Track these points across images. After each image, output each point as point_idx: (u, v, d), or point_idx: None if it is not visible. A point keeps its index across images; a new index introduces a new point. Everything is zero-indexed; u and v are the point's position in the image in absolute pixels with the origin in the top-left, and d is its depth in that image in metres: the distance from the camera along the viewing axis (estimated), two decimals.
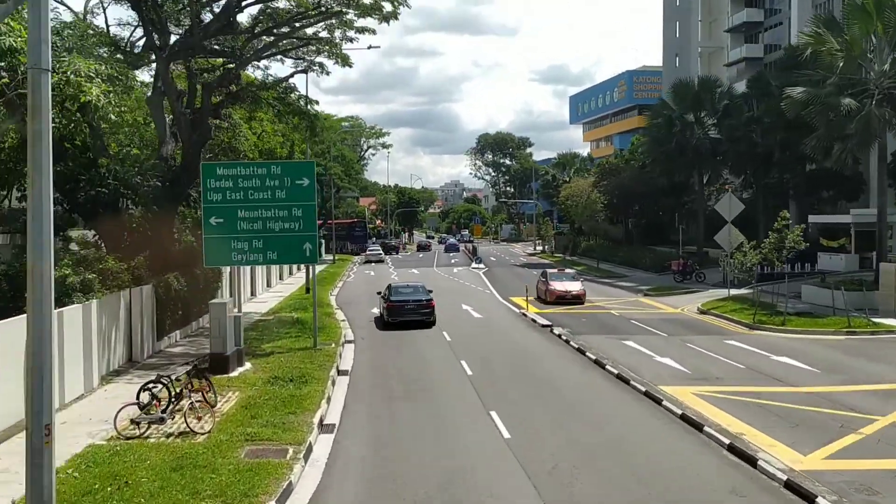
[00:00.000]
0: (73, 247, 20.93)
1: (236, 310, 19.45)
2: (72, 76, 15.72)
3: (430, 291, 28.07)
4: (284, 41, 27.43)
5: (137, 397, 12.92)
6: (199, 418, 12.52)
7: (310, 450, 11.83)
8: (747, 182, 47.89)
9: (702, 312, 29.42)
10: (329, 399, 15.28)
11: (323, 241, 65.17)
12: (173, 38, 24.51)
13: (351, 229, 77.23)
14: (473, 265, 57.49)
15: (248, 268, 31.76)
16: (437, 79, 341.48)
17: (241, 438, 11.89)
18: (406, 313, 26.13)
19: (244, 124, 31.77)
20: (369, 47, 37.34)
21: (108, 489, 9.61)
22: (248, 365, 18.14)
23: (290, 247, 20.39)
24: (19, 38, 14.28)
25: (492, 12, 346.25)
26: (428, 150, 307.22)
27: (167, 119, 24.81)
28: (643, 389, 15.72)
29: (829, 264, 38.54)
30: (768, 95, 42.02)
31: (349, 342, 22.98)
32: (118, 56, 22.75)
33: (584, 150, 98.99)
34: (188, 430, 12.19)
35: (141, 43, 25.65)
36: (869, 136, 28.54)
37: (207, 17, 24.75)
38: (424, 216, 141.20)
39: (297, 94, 28.55)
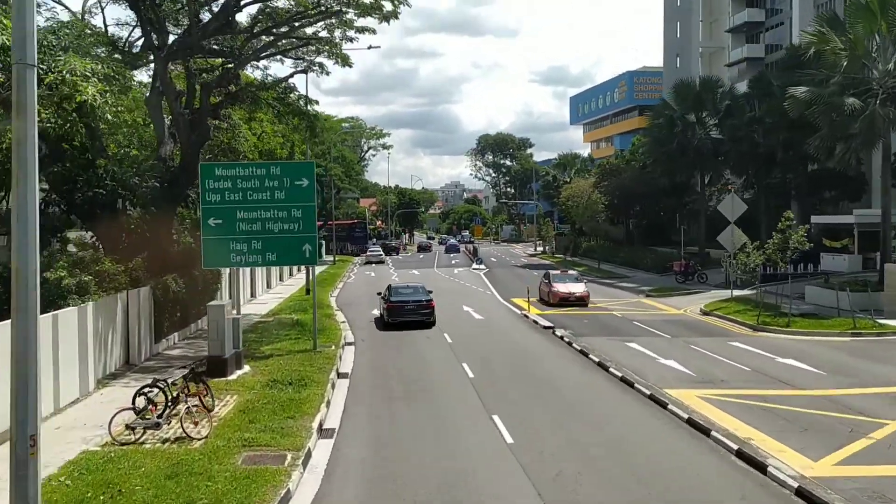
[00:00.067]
0: (72, 248, 20.76)
1: (235, 312, 19.22)
2: (67, 75, 15.50)
3: (430, 292, 28.03)
4: (284, 41, 27.22)
5: (133, 402, 12.68)
6: (196, 423, 12.29)
7: (308, 455, 11.59)
8: (749, 182, 47.66)
9: (705, 314, 29.17)
10: (329, 402, 15.04)
11: (323, 242, 65.36)
12: (172, 38, 24.31)
13: (351, 230, 77.01)
14: (474, 266, 57.25)
15: (247, 269, 31.53)
16: (437, 80, 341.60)
17: (238, 444, 11.65)
18: (406, 314, 26.12)
19: (244, 125, 31.55)
20: (369, 47, 37.15)
21: (101, 498, 9.38)
22: (246, 368, 17.90)
23: (290, 248, 20.18)
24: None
25: (492, 13, 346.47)
26: (428, 150, 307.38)
27: (166, 120, 24.61)
28: (648, 393, 15.48)
29: (832, 265, 38.29)
30: (770, 95, 41.82)
31: (349, 344, 22.74)
32: (116, 56, 22.56)
33: (585, 151, 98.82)
34: (184, 435, 11.95)
35: (140, 43, 25.50)
36: (873, 135, 28.30)
37: (206, 16, 24.55)
38: (425, 217, 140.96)
39: (297, 94, 28.30)
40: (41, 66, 15.96)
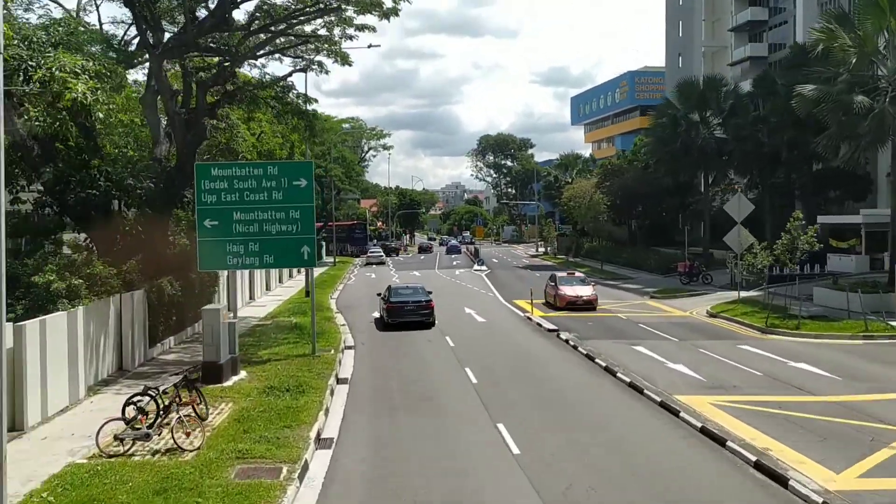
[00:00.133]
0: (66, 250, 20.27)
1: (231, 315, 18.70)
2: (56, 72, 15.00)
3: (430, 293, 27.87)
4: (282, 39, 26.71)
5: (123, 412, 12.15)
6: (188, 434, 11.75)
7: (305, 468, 11.05)
8: (753, 182, 47.11)
9: (711, 316, 28.62)
10: (327, 410, 14.51)
11: (323, 243, 64.92)
12: (167, 36, 23.80)
13: (351, 231, 76.53)
14: (475, 267, 56.73)
15: (246, 271, 31.02)
16: (438, 81, 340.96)
17: (231, 456, 11.11)
18: (406, 314, 26.01)
19: (242, 125, 31.02)
20: (369, 46, 36.60)
21: None
22: (243, 374, 17.37)
23: (288, 250, 19.68)
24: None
25: (492, 14, 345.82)
26: (429, 151, 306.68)
27: (162, 119, 24.10)
28: (658, 399, 14.93)
29: (839, 265, 37.73)
30: (774, 94, 41.35)
31: (349, 348, 22.21)
32: (111, 54, 22.06)
33: (586, 152, 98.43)
34: (176, 446, 11.41)
35: (136, 42, 24.98)
36: (882, 134, 27.77)
37: (203, 13, 24.04)
38: (426, 218, 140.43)
39: (296, 92, 27.73)
40: (30, 62, 15.50)
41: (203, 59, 26.51)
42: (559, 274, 34.79)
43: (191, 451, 11.36)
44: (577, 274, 36.15)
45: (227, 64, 24.55)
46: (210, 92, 25.54)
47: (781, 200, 43.25)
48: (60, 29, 18.49)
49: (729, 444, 11.89)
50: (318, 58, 27.30)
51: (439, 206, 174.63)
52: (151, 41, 22.84)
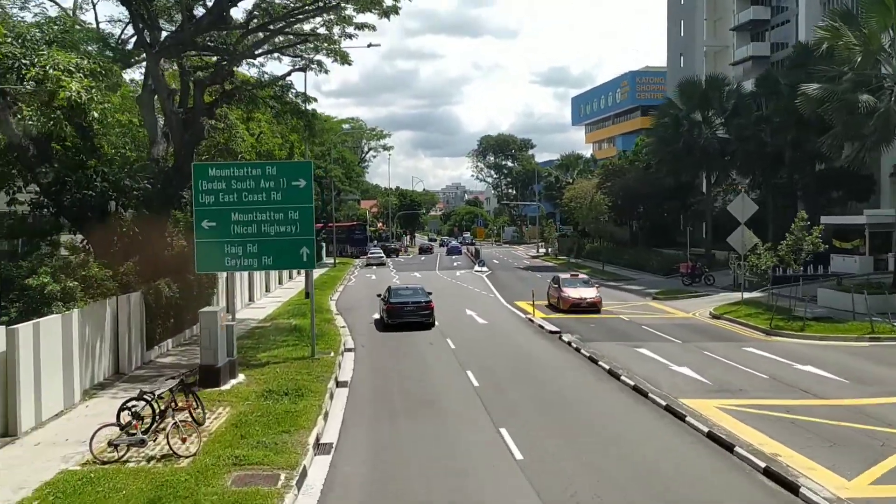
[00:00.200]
0: (63, 252, 20.03)
1: (229, 317, 18.45)
2: (50, 70, 14.75)
3: (430, 293, 27.84)
4: (281, 38, 26.47)
5: (118, 417, 11.89)
6: (184, 439, 11.48)
7: (304, 475, 10.79)
8: (755, 182, 46.84)
9: (714, 317, 28.35)
10: (326, 415, 14.25)
11: (323, 244, 64.64)
12: (164, 35, 23.56)
13: (350, 232, 76.25)
14: (476, 268, 56.43)
15: (245, 272, 30.75)
16: (438, 81, 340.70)
17: (228, 462, 10.85)
18: (405, 315, 26.01)
19: (241, 125, 30.76)
20: (369, 45, 36.35)
21: None
22: (241, 377, 17.10)
23: (287, 251, 19.46)
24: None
25: (492, 14, 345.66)
26: (429, 152, 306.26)
27: (159, 119, 23.84)
28: (663, 403, 14.66)
29: (843, 266, 37.45)
30: (777, 94, 41.08)
31: (349, 350, 21.94)
32: (108, 53, 21.81)
33: (586, 152, 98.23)
34: (171, 452, 11.15)
35: (133, 41, 24.73)
36: (888, 133, 27.46)
37: (200, 12, 23.78)
38: (426, 219, 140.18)
39: (295, 91, 27.48)
40: (23, 60, 15.25)
41: (201, 59, 26.27)
42: (562, 276, 34.22)
43: (187, 457, 11.11)
44: (581, 275, 35.37)
45: (224, 63, 24.30)
46: (208, 91, 25.31)
47: (784, 201, 42.97)
48: (55, 27, 18.23)
49: (737, 449, 11.62)
50: (317, 57, 27.10)
51: (440, 207, 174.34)
52: (148, 40, 22.60)
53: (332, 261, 59.95)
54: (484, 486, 10.59)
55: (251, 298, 34.29)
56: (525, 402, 15.41)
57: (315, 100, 63.10)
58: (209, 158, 27.31)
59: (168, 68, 27.50)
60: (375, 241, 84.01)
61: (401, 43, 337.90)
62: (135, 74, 28.66)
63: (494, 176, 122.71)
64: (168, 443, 11.24)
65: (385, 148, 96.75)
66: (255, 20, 24.49)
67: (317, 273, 45.20)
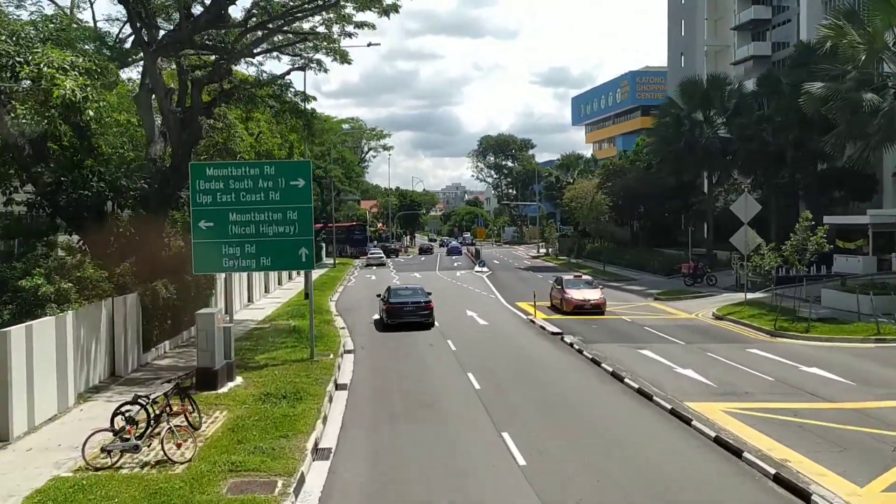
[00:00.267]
0: (60, 252, 19.77)
1: (227, 319, 18.20)
2: (44, 68, 14.50)
3: (429, 294, 27.77)
4: (280, 37, 26.22)
5: (112, 422, 11.62)
6: (180, 445, 11.23)
7: (302, 481, 10.54)
8: (757, 182, 46.61)
9: (718, 318, 28.09)
10: (325, 419, 13.99)
11: (323, 244, 64.34)
12: (162, 34, 23.30)
13: (350, 233, 75.97)
14: (477, 268, 56.16)
15: (244, 273, 30.47)
16: (438, 82, 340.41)
17: (224, 468, 10.59)
18: (405, 315, 26.02)
19: (240, 124, 30.52)
20: (369, 44, 36.16)
21: None
22: (239, 380, 16.85)
23: (285, 252, 19.20)
24: None
25: (492, 15, 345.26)
26: (429, 153, 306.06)
27: (156, 118, 23.59)
28: (669, 407, 14.39)
29: (846, 266, 37.16)
30: (779, 93, 40.85)
31: (349, 352, 21.69)
32: (105, 52, 21.55)
33: (586, 152, 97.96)
34: (166, 458, 10.89)
35: (131, 40, 24.48)
36: (892, 132, 27.18)
37: (199, 10, 23.52)
38: (426, 219, 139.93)
39: (294, 90, 27.23)
40: (17, 58, 14.99)
41: (199, 58, 26.01)
42: (565, 277, 33.50)
43: (182, 463, 10.85)
44: (585, 277, 34.42)
45: (222, 61, 24.03)
46: (206, 91, 25.05)
47: (786, 200, 42.73)
48: (50, 25, 17.96)
49: (745, 455, 11.36)
50: (316, 56, 26.86)
51: (440, 207, 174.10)
52: (146, 38, 22.35)
53: (331, 261, 59.70)
54: (486, 492, 10.34)
55: (250, 299, 34.04)
56: (527, 405, 15.16)
57: (314, 98, 62.61)
58: (208, 158, 27.06)
59: (166, 68, 27.25)
60: (375, 242, 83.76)
61: (401, 43, 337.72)
62: (132, 74, 28.44)
63: (494, 176, 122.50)
64: (163, 448, 10.98)
65: (385, 148, 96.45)
66: (254, 19, 24.23)
67: (316, 274, 44.92)
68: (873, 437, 12.52)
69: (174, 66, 25.10)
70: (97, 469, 10.62)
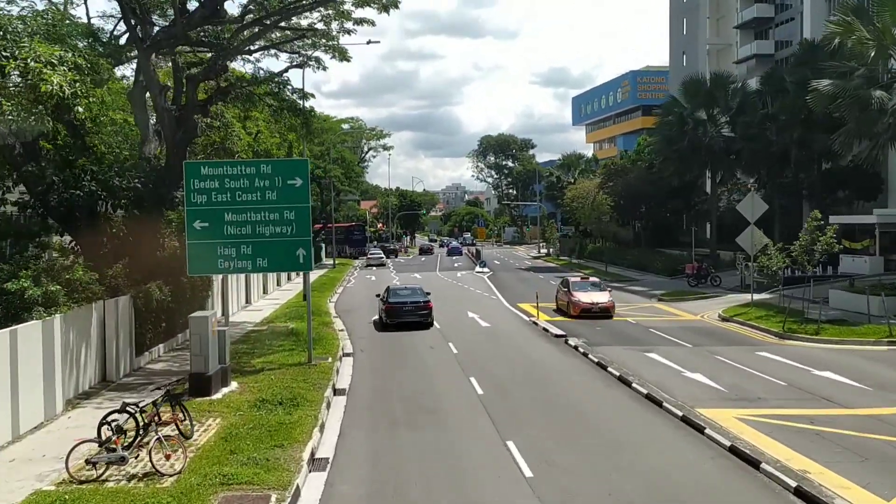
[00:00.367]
0: (53, 254, 19.26)
1: (222, 322, 17.68)
2: (31, 62, 13.97)
3: (428, 293, 27.62)
4: (278, 34, 25.71)
5: (98, 432, 11.09)
6: (168, 456, 10.68)
7: (297, 495, 10.02)
8: (761, 182, 46.09)
9: (724, 320, 27.55)
10: (322, 426, 13.45)
11: (322, 245, 63.75)
12: (157, 30, 22.78)
13: (349, 233, 75.44)
14: (477, 269, 55.60)
15: (241, 274, 29.94)
16: (438, 82, 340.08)
17: (215, 482, 10.05)
18: (404, 315, 26.02)
19: (237, 123, 29.99)
20: (368, 42, 35.79)
21: None
22: (234, 385, 16.30)
23: (282, 253, 18.67)
24: None
25: (492, 15, 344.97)
26: (429, 153, 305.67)
27: (151, 116, 23.06)
28: (680, 414, 13.85)
29: (853, 267, 36.62)
30: (783, 92, 40.34)
31: (347, 355, 21.16)
32: (98, 48, 21.03)
33: (587, 152, 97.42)
34: (154, 470, 10.35)
35: (126, 38, 23.96)
36: None
37: (194, 5, 23.01)
38: (426, 219, 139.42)
39: (291, 87, 26.70)
40: (3, 52, 14.47)
41: (195, 55, 25.48)
42: (572, 279, 31.94)
43: (171, 475, 10.31)
44: (593, 279, 32.42)
45: (218, 58, 23.48)
46: (203, 89, 24.52)
47: (789, 200, 42.20)
48: (39, 19, 17.41)
49: (763, 466, 10.81)
50: (315, 54, 26.35)
51: (440, 208, 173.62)
52: (140, 35, 21.83)
53: (331, 262, 59.18)
54: None
55: (248, 301, 33.50)
56: (532, 412, 14.63)
57: (312, 96, 62.16)
58: (205, 157, 26.55)
59: (162, 66, 26.72)
60: (375, 242, 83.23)
61: (401, 44, 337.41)
62: (127, 71, 27.88)
63: (495, 176, 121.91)
64: (150, 460, 10.43)
65: (385, 148, 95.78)
66: (251, 15, 23.71)
67: (315, 274, 44.42)
68: (895, 447, 11.99)
69: (170, 65, 24.60)
70: (81, 482, 10.08)
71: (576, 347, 21.75)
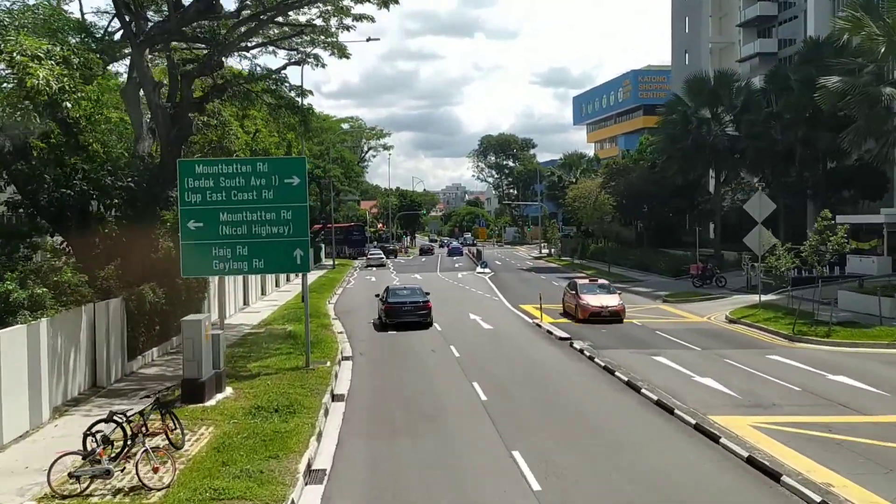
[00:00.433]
0: (46, 255, 18.71)
1: (217, 325, 17.12)
2: (17, 56, 13.42)
3: (428, 293, 27.44)
4: (276, 30, 25.16)
5: (84, 442, 10.54)
6: (156, 469, 10.12)
7: None
8: (765, 180, 45.53)
9: (731, 321, 26.99)
10: (320, 434, 12.90)
11: (322, 245, 63.20)
12: (151, 26, 22.24)
13: (348, 233, 74.88)
14: (478, 269, 55.06)
15: (238, 275, 29.38)
16: (438, 82, 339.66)
17: (206, 496, 9.49)
18: (403, 315, 25.99)
19: (235, 122, 29.44)
20: (368, 39, 35.55)
21: None
22: (228, 390, 15.75)
23: (279, 254, 18.12)
24: None
25: (492, 15, 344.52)
26: (429, 153, 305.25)
27: (145, 114, 22.51)
28: (693, 422, 13.28)
29: (860, 267, 36.07)
30: (787, 90, 39.78)
31: (346, 359, 20.61)
32: (91, 44, 20.48)
33: (588, 152, 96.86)
34: (141, 484, 9.80)
35: (121, 34, 23.41)
36: None
37: (188, 0, 22.45)
38: (426, 219, 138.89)
39: (289, 85, 26.16)
40: None
41: (191, 51, 24.94)
42: (579, 281, 30.45)
43: (158, 489, 9.75)
44: (601, 281, 30.64)
45: (213, 54, 22.92)
46: (199, 86, 23.97)
47: (794, 200, 41.65)
48: (29, 13, 16.86)
49: (784, 479, 10.25)
50: (314, 51, 25.83)
51: (440, 208, 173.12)
52: (134, 30, 21.29)
53: (331, 262, 58.64)
54: None
55: (245, 302, 32.95)
56: (538, 419, 14.08)
57: (311, 93, 61.59)
58: (202, 156, 25.99)
59: (158, 64, 26.16)
60: (375, 243, 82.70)
61: (401, 44, 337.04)
62: (121, 69, 27.33)
63: (495, 176, 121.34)
64: (137, 473, 9.87)
65: (385, 147, 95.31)
66: (248, 10, 23.16)
67: (315, 275, 43.91)
68: None
69: (165, 63, 24.06)
70: (63, 497, 9.54)
71: (581, 351, 21.20)
